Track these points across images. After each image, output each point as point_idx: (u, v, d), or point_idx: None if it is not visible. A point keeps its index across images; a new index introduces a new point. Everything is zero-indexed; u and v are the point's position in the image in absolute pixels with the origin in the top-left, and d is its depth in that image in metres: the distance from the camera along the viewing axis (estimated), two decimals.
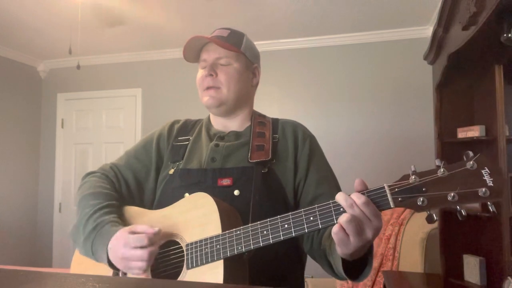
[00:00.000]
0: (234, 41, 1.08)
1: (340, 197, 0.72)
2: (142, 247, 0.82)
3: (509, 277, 1.59)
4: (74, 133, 4.25)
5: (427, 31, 3.27)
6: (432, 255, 2.05)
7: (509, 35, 1.44)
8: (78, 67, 2.93)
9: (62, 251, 4.14)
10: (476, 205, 1.88)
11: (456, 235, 2.00)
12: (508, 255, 1.68)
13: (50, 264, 4.16)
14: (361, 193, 0.71)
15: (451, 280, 1.97)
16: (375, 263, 2.32)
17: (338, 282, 2.58)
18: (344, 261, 0.79)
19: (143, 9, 2.92)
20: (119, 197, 1.04)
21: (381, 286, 2.19)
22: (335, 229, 0.70)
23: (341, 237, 0.70)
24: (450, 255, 2.00)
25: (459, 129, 2.02)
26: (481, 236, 1.94)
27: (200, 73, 1.09)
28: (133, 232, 0.84)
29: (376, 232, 0.72)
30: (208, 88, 1.06)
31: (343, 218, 0.69)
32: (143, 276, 0.86)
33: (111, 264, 0.87)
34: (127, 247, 0.82)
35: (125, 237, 0.83)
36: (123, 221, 0.97)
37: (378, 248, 2.37)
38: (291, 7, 2.96)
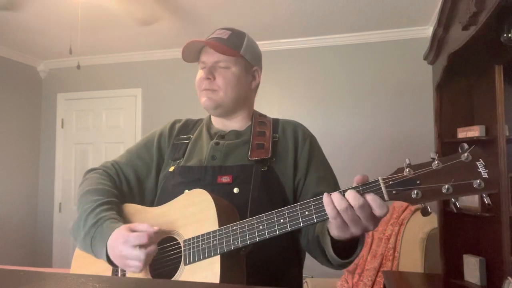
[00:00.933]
0: (233, 43, 1.07)
1: (335, 199, 0.72)
2: (141, 247, 0.82)
3: (509, 277, 1.59)
4: (74, 133, 4.25)
5: (427, 31, 3.27)
6: (432, 255, 2.05)
7: (509, 35, 1.44)
8: (78, 67, 2.93)
9: (62, 251, 4.14)
10: (475, 205, 1.88)
11: (456, 235, 2.00)
12: (508, 255, 1.68)
13: (50, 264, 4.16)
14: (356, 190, 0.71)
15: (451, 280, 1.97)
16: (375, 263, 2.32)
17: (338, 282, 2.58)
18: (334, 244, 0.80)
19: (143, 9, 2.92)
20: (119, 194, 1.05)
21: (381, 286, 2.19)
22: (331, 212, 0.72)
23: (339, 221, 0.72)
24: (450, 255, 2.00)
25: (459, 129, 2.02)
26: (481, 236, 1.94)
27: (200, 74, 1.10)
28: (134, 230, 0.85)
29: (378, 220, 0.73)
30: (206, 89, 1.07)
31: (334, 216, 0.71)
32: (140, 274, 0.87)
33: (109, 261, 0.87)
34: (126, 245, 0.82)
35: (125, 235, 0.84)
36: (123, 218, 0.97)
37: (378, 248, 2.37)
38: (291, 7, 2.96)
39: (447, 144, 2.06)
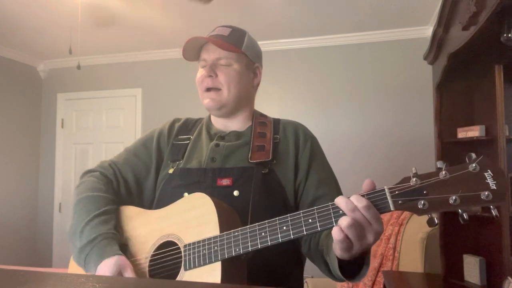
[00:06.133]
0: (235, 40, 1.05)
1: (340, 201, 0.70)
2: None
3: (509, 277, 1.59)
4: (74, 133, 4.25)
5: (427, 31, 3.27)
6: (432, 255, 2.04)
7: (509, 35, 1.44)
8: (78, 67, 2.93)
9: (62, 251, 4.14)
10: None
11: (456, 235, 2.00)
12: (508, 255, 1.68)
13: (50, 264, 4.16)
14: (361, 196, 0.70)
15: (451, 280, 1.97)
16: (375, 263, 2.32)
17: (338, 283, 2.58)
18: (340, 261, 0.78)
19: (143, 9, 2.92)
20: (116, 198, 1.03)
21: (381, 286, 2.19)
22: (337, 236, 0.68)
23: (344, 244, 0.69)
24: (450, 255, 2.00)
25: (459, 129, 2.02)
26: (481, 236, 1.94)
27: (200, 72, 1.07)
28: (121, 272, 0.85)
29: (377, 236, 0.70)
30: (208, 89, 1.05)
31: (344, 223, 0.68)
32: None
33: None
34: None
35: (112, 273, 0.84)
36: (119, 228, 0.97)
37: (378, 248, 2.37)
38: (291, 7, 2.96)
39: (447, 144, 2.06)
